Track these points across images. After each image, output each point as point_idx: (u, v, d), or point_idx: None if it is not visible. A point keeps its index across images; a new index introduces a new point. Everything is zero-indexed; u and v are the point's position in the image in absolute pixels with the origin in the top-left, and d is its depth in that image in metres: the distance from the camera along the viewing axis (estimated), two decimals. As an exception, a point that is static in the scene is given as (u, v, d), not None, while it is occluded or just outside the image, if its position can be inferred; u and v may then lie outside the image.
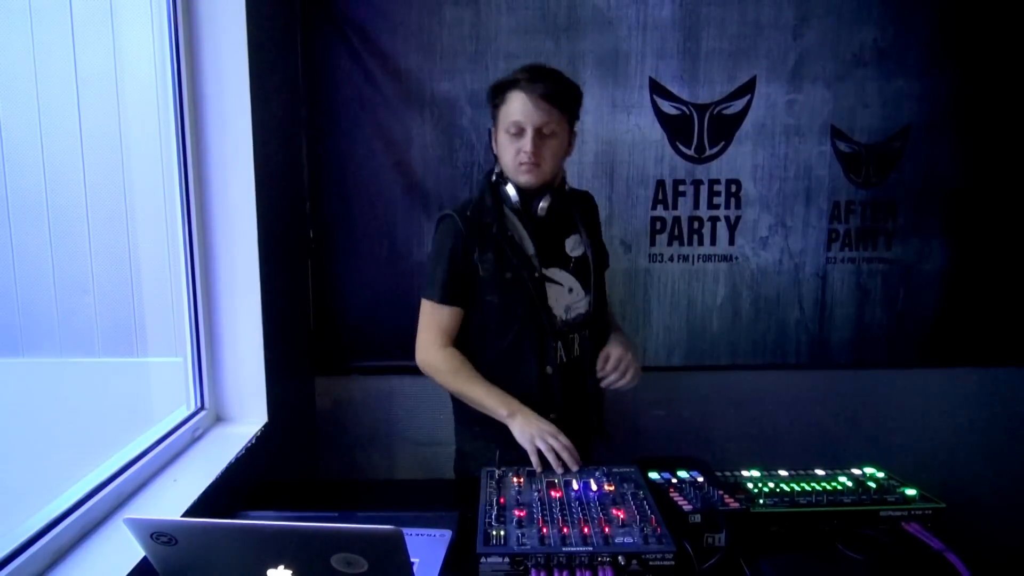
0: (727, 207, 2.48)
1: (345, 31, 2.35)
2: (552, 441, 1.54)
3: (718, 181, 2.48)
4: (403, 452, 2.57)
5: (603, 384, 1.75)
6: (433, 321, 1.75)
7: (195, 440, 1.81)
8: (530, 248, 1.73)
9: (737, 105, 2.44)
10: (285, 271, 2.17)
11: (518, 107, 1.63)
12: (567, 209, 1.79)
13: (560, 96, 1.65)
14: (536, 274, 1.72)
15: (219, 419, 1.96)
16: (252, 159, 1.86)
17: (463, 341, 1.77)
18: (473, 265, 1.71)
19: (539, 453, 1.54)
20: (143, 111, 2.24)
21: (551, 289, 1.75)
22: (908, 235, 2.53)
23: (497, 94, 1.68)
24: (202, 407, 1.91)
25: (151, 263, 2.45)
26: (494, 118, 1.71)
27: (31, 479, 1.94)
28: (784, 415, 2.58)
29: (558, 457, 1.52)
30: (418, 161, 2.43)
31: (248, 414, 1.96)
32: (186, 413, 1.86)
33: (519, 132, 1.64)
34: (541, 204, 1.69)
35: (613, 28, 2.38)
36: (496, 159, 1.75)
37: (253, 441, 1.83)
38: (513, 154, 1.66)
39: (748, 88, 2.43)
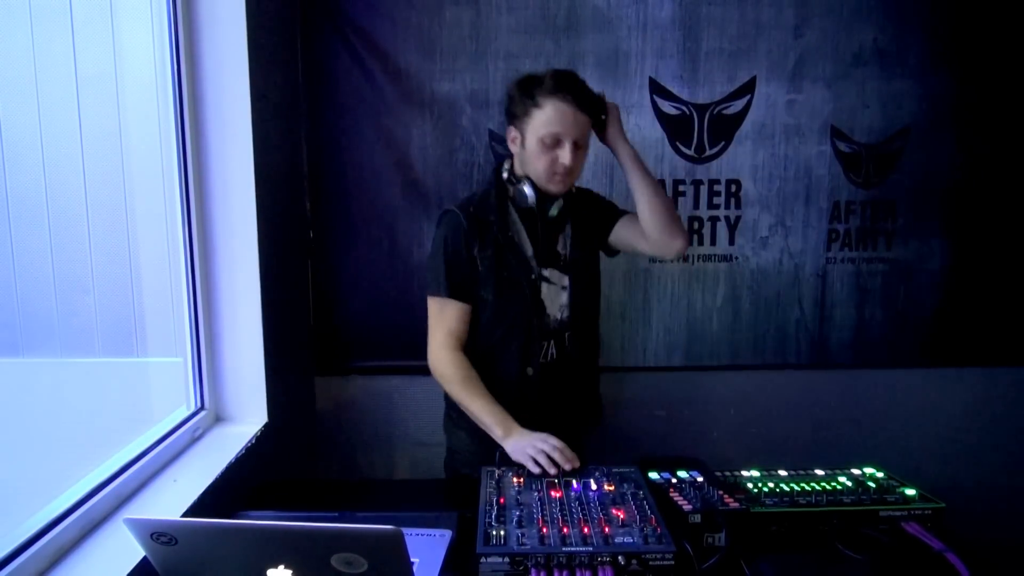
0: (727, 207, 2.48)
1: (345, 31, 2.35)
2: (542, 445, 1.51)
3: (718, 181, 2.48)
4: (403, 452, 2.57)
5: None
6: (441, 321, 1.74)
7: (195, 440, 1.81)
8: (528, 249, 1.75)
9: (737, 105, 2.44)
10: (285, 271, 2.17)
11: (556, 117, 1.61)
12: (570, 210, 1.79)
13: (593, 106, 1.66)
14: (533, 275, 1.74)
15: (219, 419, 1.96)
16: (252, 159, 1.86)
17: None
18: (473, 260, 1.71)
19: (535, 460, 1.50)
20: (143, 111, 2.24)
21: (547, 289, 1.77)
22: (908, 235, 2.53)
23: (527, 97, 1.64)
24: (202, 407, 1.91)
25: (151, 263, 2.46)
26: (519, 118, 1.67)
27: (31, 479, 1.95)
28: (784, 415, 2.58)
29: (550, 459, 1.48)
30: (418, 161, 2.43)
31: (248, 414, 1.96)
32: (186, 413, 1.86)
33: (556, 143, 1.63)
34: (555, 206, 1.71)
35: (613, 28, 2.38)
36: (511, 157, 1.76)
37: (253, 441, 1.83)
38: (547, 163, 1.65)
39: (748, 88, 2.43)
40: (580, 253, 1.80)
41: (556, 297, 1.78)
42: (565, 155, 1.63)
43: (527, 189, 1.69)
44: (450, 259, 1.72)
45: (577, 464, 1.49)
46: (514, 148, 1.73)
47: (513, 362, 1.74)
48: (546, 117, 1.62)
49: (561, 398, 1.79)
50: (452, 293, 1.72)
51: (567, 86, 1.62)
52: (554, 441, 1.53)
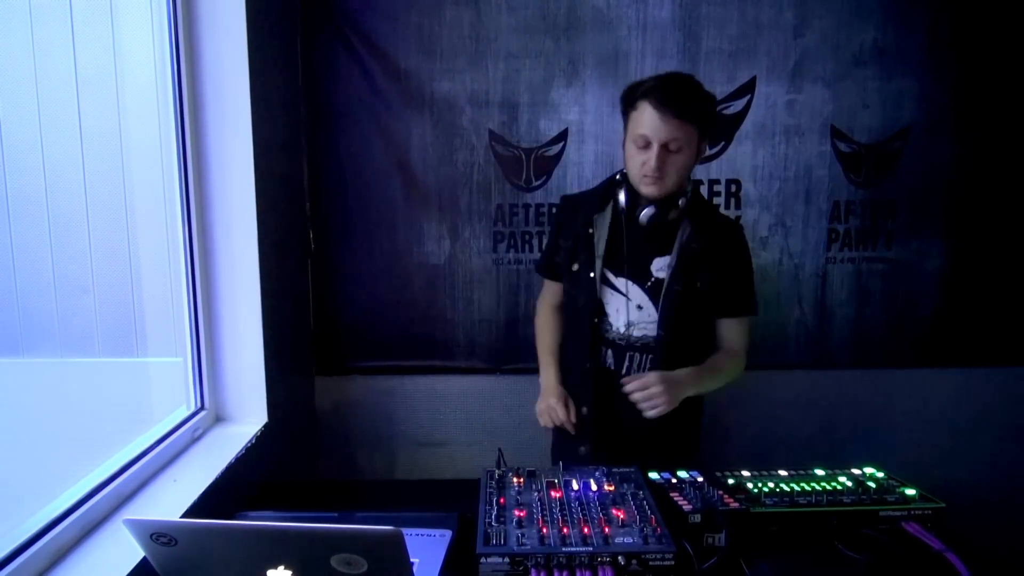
0: (727, 207, 2.48)
1: (345, 31, 2.35)
2: (542, 404, 1.82)
3: (718, 181, 2.47)
4: (403, 452, 2.57)
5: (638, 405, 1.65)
6: (544, 290, 2.01)
7: (195, 440, 1.81)
8: (600, 249, 1.75)
9: (737, 105, 2.44)
10: (285, 271, 2.17)
11: (647, 120, 1.60)
12: (674, 227, 1.72)
13: (689, 110, 1.60)
14: (592, 274, 1.74)
15: (219, 419, 1.96)
16: (252, 160, 1.86)
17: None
18: (559, 247, 1.86)
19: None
20: (143, 111, 2.24)
21: (612, 296, 1.76)
22: (908, 235, 2.53)
23: (629, 100, 1.66)
24: (202, 407, 1.91)
25: (151, 263, 2.46)
26: (625, 122, 1.70)
27: (31, 479, 1.95)
28: (784, 415, 2.58)
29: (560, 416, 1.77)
30: (418, 161, 2.43)
31: (248, 414, 1.96)
32: (186, 413, 1.86)
33: (646, 145, 1.62)
34: (644, 212, 1.67)
35: (613, 28, 2.38)
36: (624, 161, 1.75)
37: (253, 441, 1.83)
38: (638, 165, 1.64)
39: (748, 88, 2.43)
40: (679, 288, 1.71)
41: (623, 310, 1.75)
42: (650, 157, 1.61)
43: (621, 193, 1.72)
44: (549, 243, 1.98)
45: (569, 420, 1.77)
46: (623, 151, 1.74)
47: (578, 352, 1.83)
48: (638, 119, 1.63)
49: (627, 411, 1.71)
50: (541, 270, 2.00)
51: (662, 88, 1.61)
52: (551, 400, 1.80)
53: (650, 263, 1.74)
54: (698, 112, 1.63)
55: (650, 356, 1.75)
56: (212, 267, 1.89)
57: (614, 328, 1.77)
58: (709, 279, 1.73)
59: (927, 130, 2.46)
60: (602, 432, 1.79)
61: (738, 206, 2.49)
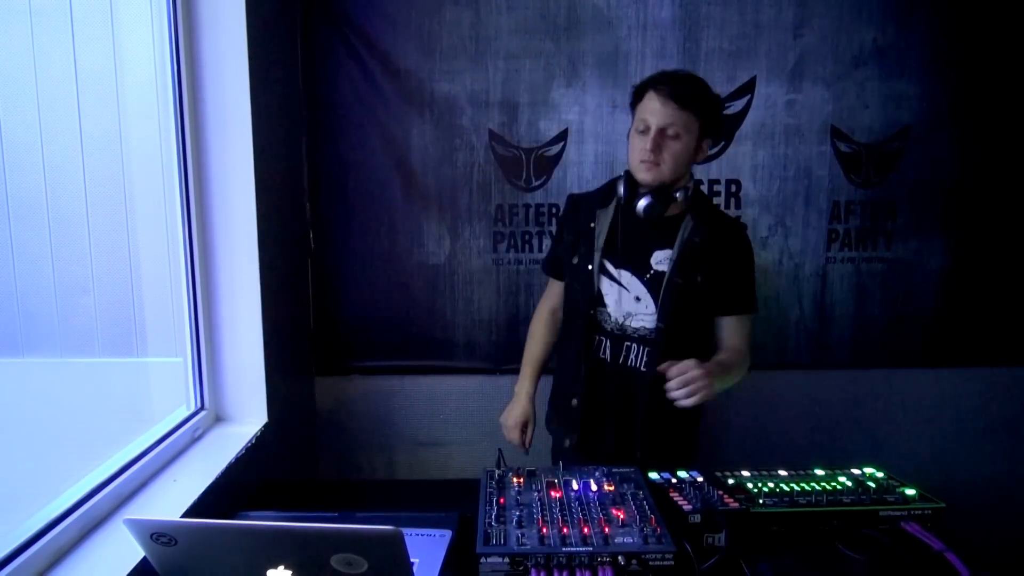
0: (727, 207, 2.48)
1: (345, 31, 2.35)
2: (506, 424, 1.95)
3: (718, 181, 2.48)
4: (403, 452, 2.57)
5: (669, 394, 1.60)
6: (547, 289, 2.03)
7: (195, 440, 1.81)
8: (600, 242, 1.77)
9: (737, 105, 2.44)
10: (285, 271, 2.17)
11: (648, 106, 1.67)
12: (677, 222, 1.74)
13: (690, 99, 1.65)
14: (590, 266, 1.76)
15: (219, 419, 1.96)
16: (252, 159, 1.86)
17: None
18: (563, 243, 1.90)
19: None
20: (143, 111, 2.24)
21: (611, 287, 1.77)
22: (908, 235, 2.53)
23: (637, 94, 1.73)
24: (202, 407, 1.91)
25: (151, 263, 2.46)
26: (632, 116, 1.76)
27: (31, 479, 1.95)
28: (784, 415, 2.58)
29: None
30: (418, 161, 2.43)
31: (248, 414, 1.96)
32: (186, 413, 1.86)
33: (645, 130, 1.67)
34: (641, 202, 1.70)
35: (613, 28, 2.38)
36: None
37: (253, 441, 1.83)
38: (638, 151, 1.69)
39: (748, 88, 2.43)
40: (679, 280, 1.71)
41: (622, 302, 1.76)
42: (648, 140, 1.65)
43: (621, 184, 1.74)
44: (554, 241, 2.09)
45: (522, 444, 1.94)
46: (628, 146, 1.77)
47: (574, 347, 1.84)
48: (642, 108, 1.70)
49: (621, 405, 1.79)
50: (545, 269, 2.05)
51: (665, 77, 1.69)
52: (504, 421, 1.96)
53: (650, 256, 1.76)
54: (698, 101, 1.67)
55: (647, 349, 1.76)
56: (212, 267, 1.89)
57: (612, 319, 1.78)
58: (710, 275, 1.73)
59: (927, 130, 2.46)
60: (590, 425, 1.81)
61: (738, 206, 2.49)
